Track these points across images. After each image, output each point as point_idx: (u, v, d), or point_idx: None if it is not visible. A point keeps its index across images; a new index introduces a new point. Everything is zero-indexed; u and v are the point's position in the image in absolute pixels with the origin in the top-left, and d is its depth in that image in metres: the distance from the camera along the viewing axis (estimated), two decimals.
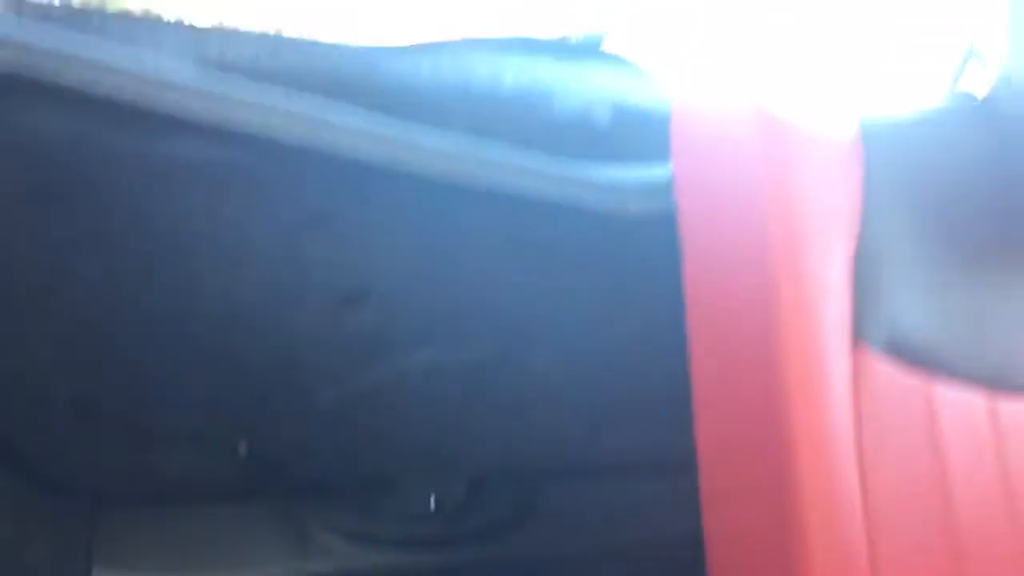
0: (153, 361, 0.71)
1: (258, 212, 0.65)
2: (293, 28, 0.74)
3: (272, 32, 0.73)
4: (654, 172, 0.66)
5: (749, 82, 0.61)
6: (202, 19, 0.70)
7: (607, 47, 0.89)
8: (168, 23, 0.70)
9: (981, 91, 0.62)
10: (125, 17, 0.68)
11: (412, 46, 0.79)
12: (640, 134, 0.82)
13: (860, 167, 0.56)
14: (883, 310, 0.54)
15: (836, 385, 0.52)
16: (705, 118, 0.61)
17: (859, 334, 0.53)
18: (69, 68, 0.52)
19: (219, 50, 0.70)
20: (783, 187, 0.54)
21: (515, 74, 0.78)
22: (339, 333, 0.71)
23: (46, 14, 0.65)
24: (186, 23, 0.70)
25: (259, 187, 0.64)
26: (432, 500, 0.84)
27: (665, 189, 0.63)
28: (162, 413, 0.75)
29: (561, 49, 0.86)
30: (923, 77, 0.98)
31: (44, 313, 0.66)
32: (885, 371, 0.53)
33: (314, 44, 0.75)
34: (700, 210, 0.60)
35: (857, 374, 0.53)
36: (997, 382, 0.55)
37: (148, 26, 0.68)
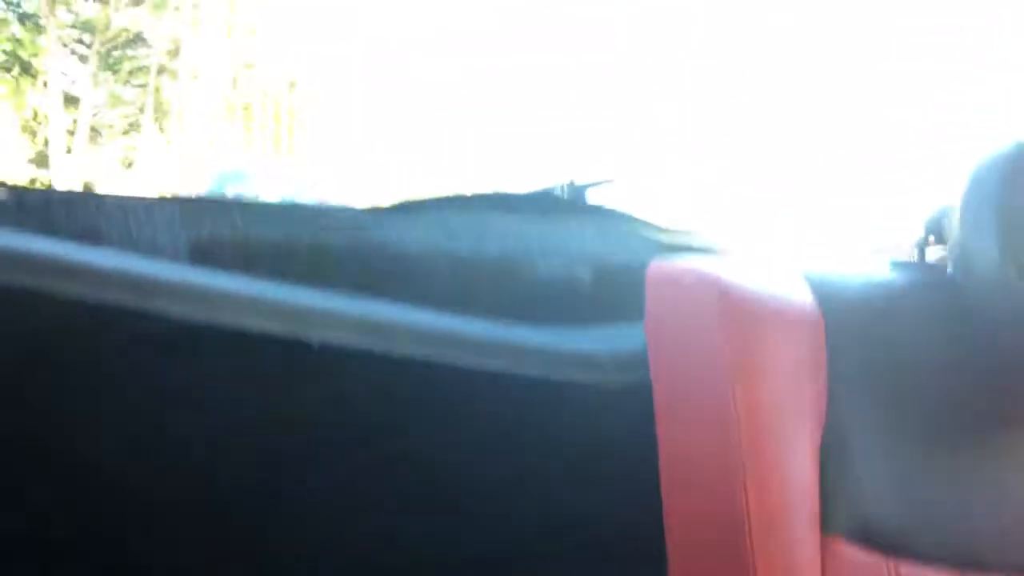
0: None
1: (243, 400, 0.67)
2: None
3: (258, 200, 0.76)
4: (633, 341, 0.68)
5: (717, 257, 0.63)
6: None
7: (592, 198, 0.92)
8: (160, 200, 0.73)
9: (940, 266, 0.63)
10: (121, 198, 0.71)
11: (399, 206, 0.82)
12: (620, 292, 0.84)
13: (823, 348, 0.57)
14: (850, 498, 0.54)
15: (804, 570, 0.52)
16: (675, 293, 0.63)
17: (826, 522, 0.53)
18: (59, 282, 0.54)
19: (210, 226, 0.73)
20: (747, 372, 0.55)
21: (500, 236, 0.81)
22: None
23: (47, 199, 0.69)
24: (177, 198, 0.73)
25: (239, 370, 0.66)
26: None
27: (642, 361, 0.64)
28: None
29: (546, 204, 0.89)
30: (885, 252, 1.00)
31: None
32: (852, 557, 0.54)
33: (301, 209, 0.78)
34: (671, 384, 0.61)
35: (825, 560, 0.53)
36: (965, 562, 0.55)
37: (143, 205, 0.72)
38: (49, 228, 0.69)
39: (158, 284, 0.57)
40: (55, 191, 0.83)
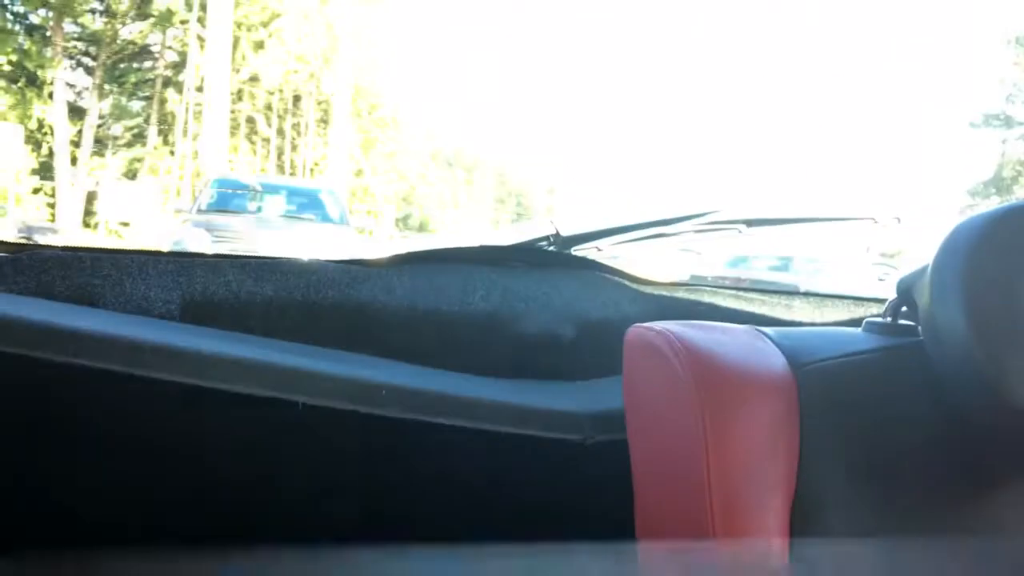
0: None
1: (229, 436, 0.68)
2: None
3: (252, 257, 0.78)
4: (612, 399, 0.69)
5: (693, 321, 0.64)
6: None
7: (578, 252, 0.94)
8: (155, 255, 0.75)
9: (913, 328, 0.64)
10: (116, 254, 0.73)
11: (389, 260, 0.84)
12: (601, 348, 0.86)
13: (796, 412, 0.58)
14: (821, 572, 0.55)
15: None
16: (651, 357, 0.64)
17: None
18: (49, 345, 0.56)
19: (203, 283, 0.75)
20: (720, 438, 0.56)
21: (486, 291, 0.83)
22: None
23: (44, 255, 0.71)
24: (172, 253, 0.75)
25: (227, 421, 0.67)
26: None
27: (620, 420, 0.66)
28: None
29: (532, 257, 0.90)
30: (855, 314, 1.02)
31: None
32: None
33: (293, 264, 0.80)
34: (647, 445, 0.63)
35: None
36: None
37: (138, 260, 0.74)
38: (45, 289, 0.71)
39: (148, 349, 0.59)
40: (51, 250, 0.84)
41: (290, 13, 13.32)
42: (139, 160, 13.11)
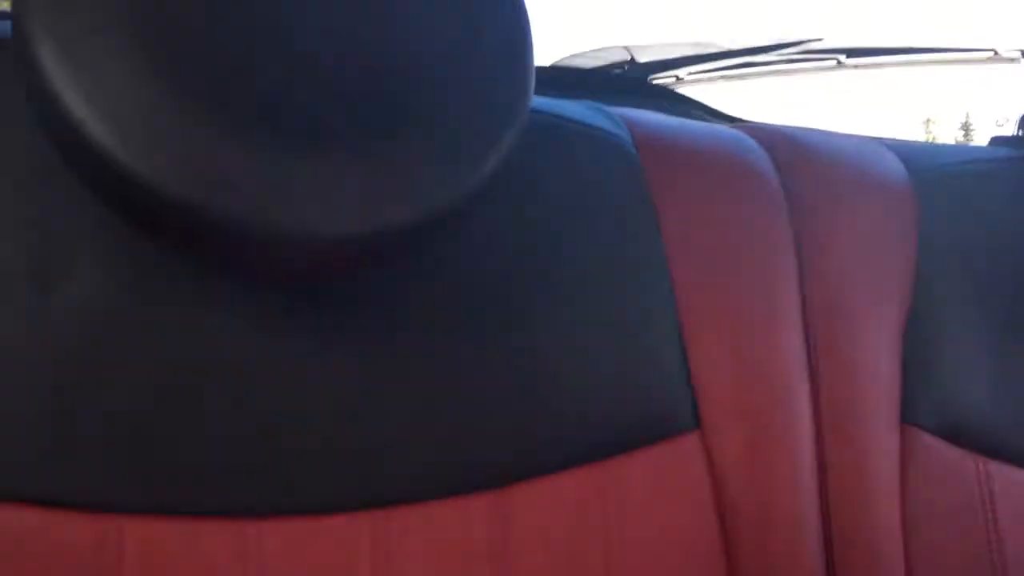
0: None
1: None
2: None
3: None
4: None
5: (794, 122, 0.57)
6: None
7: (656, 80, 0.86)
8: None
9: None
10: None
11: None
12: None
13: (913, 223, 0.51)
14: (936, 391, 0.48)
15: (880, 461, 0.47)
16: (747, 149, 0.56)
17: (908, 413, 0.48)
18: None
19: None
20: (819, 241, 0.49)
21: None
22: None
23: None
24: None
25: None
26: None
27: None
28: None
29: (608, 82, 0.83)
30: (981, 121, 0.91)
31: None
32: (936, 451, 0.48)
33: None
34: (718, 256, 0.53)
35: (904, 452, 0.48)
36: None
37: None
38: None
39: None
40: None
41: None
42: None
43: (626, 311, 0.45)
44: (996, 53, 0.93)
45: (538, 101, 0.48)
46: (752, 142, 0.52)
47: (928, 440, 0.48)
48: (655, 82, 0.85)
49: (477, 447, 0.40)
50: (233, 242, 0.31)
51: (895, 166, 0.52)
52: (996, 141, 0.60)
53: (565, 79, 0.80)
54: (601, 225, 0.46)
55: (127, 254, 0.36)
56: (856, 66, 0.92)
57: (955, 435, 0.48)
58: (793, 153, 0.51)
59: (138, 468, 0.34)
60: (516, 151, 0.37)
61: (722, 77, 0.90)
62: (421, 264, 0.40)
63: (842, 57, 0.90)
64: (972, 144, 0.60)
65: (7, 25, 0.34)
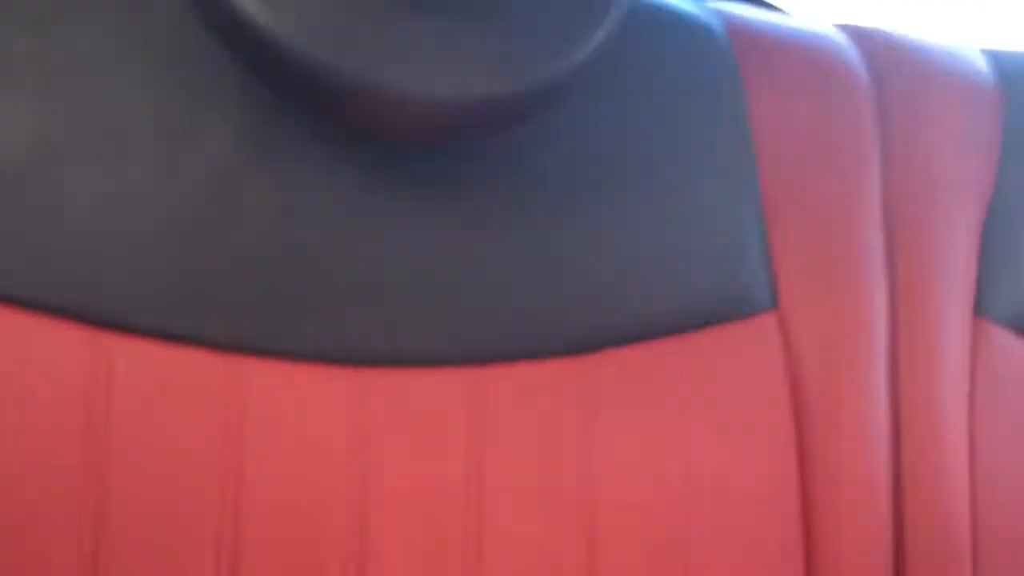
0: None
1: None
2: None
3: None
4: None
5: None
6: None
7: None
8: None
9: None
10: None
11: None
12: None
13: (998, 126, 0.50)
14: (1012, 283, 0.49)
15: (951, 350, 0.48)
16: (829, 50, 0.55)
17: (982, 305, 0.49)
18: None
19: None
20: (904, 133, 0.49)
21: None
22: None
23: None
24: None
25: None
26: None
27: None
28: None
29: None
30: None
31: None
32: (1008, 345, 0.49)
33: None
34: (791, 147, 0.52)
35: (976, 344, 0.48)
36: None
37: None
38: None
39: None
40: None
41: None
42: None
43: (715, 193, 0.46)
44: None
45: None
46: (843, 37, 0.51)
47: (1000, 332, 0.49)
48: None
49: (571, 312, 0.41)
50: (350, 102, 0.33)
51: (984, 67, 0.52)
52: None
53: None
54: (693, 110, 0.46)
55: (255, 110, 0.37)
56: None
57: None
58: (885, 51, 0.51)
59: (266, 316, 0.36)
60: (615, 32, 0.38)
61: None
62: (529, 134, 0.41)
63: None
64: None
65: None
